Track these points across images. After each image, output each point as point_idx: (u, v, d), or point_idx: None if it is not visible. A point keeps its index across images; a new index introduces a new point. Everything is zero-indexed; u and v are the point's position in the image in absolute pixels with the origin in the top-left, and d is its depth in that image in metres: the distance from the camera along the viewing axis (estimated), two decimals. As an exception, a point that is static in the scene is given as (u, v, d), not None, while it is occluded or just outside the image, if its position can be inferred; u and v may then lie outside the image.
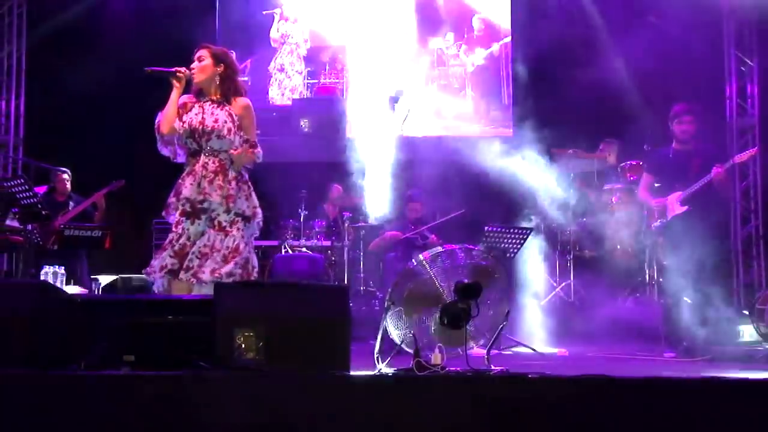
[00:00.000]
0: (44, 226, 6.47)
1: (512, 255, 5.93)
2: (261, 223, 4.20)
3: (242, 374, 2.92)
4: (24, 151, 9.46)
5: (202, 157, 4.09)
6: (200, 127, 4.08)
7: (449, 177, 7.60)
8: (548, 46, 8.55)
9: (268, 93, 9.79)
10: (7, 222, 4.88)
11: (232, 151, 4.06)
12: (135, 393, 2.86)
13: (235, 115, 4.15)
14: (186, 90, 4.20)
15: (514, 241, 5.94)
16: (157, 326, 3.29)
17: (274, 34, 9.83)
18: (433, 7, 9.80)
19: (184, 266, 3.93)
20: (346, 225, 7.78)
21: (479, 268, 3.41)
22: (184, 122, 4.11)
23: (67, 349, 3.22)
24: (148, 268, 4.04)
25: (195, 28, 8.42)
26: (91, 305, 3.45)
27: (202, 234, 4.02)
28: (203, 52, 4.21)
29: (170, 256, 3.98)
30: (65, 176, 7.30)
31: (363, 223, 7.93)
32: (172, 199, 4.11)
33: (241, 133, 4.14)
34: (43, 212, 5.15)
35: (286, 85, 9.81)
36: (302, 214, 7.96)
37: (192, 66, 4.17)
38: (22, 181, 4.84)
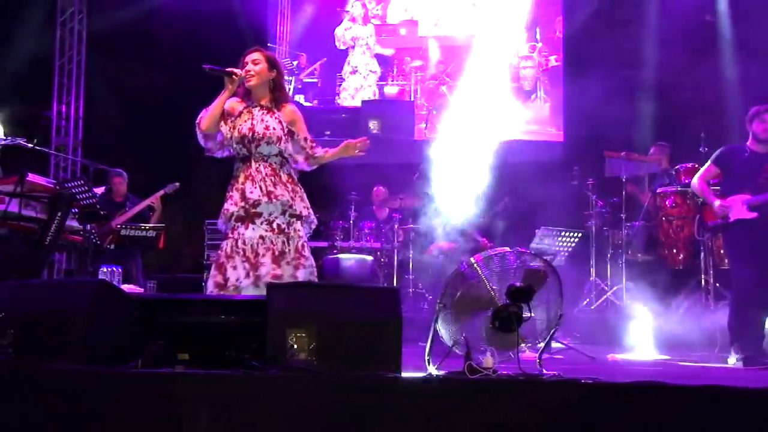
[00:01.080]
0: (102, 226, 6.65)
1: (562, 258, 5.88)
2: (315, 222, 4.24)
3: (294, 375, 2.94)
4: (82, 153, 9.72)
5: (253, 162, 4.11)
6: (250, 134, 4.09)
7: (502, 180, 7.57)
8: (600, 47, 8.46)
9: (338, 94, 9.86)
10: (67, 222, 5.00)
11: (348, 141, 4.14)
12: (190, 391, 2.91)
13: (285, 122, 4.17)
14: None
15: (564, 243, 5.90)
16: (211, 325, 3.34)
17: (340, 34, 9.89)
18: (499, 6, 9.74)
19: (263, 273, 3.98)
20: (396, 227, 7.80)
21: (531, 271, 3.38)
22: (233, 128, 4.13)
23: (125, 346, 3.29)
24: (212, 281, 4.07)
25: (249, 32, 8.57)
26: (147, 304, 3.52)
27: (261, 238, 4.04)
28: (258, 56, 4.19)
29: (233, 268, 4.00)
30: (122, 178, 7.48)
31: (412, 225, 7.95)
32: (230, 206, 4.10)
33: (291, 139, 4.15)
34: (102, 212, 5.27)
35: (356, 86, 9.88)
36: (352, 216, 8.00)
37: (247, 68, 4.15)
38: (82, 182, 4.98)
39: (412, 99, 9.89)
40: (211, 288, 4.04)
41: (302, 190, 4.21)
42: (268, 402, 2.84)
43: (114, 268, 5.83)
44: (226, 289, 4.00)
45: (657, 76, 8.54)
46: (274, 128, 4.12)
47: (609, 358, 5.31)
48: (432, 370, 3.16)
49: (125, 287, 5.94)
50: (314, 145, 4.21)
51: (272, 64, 4.22)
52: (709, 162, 5.53)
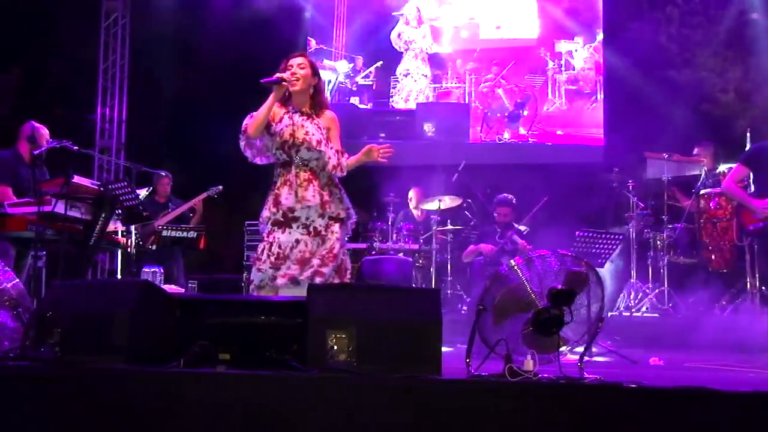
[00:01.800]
0: (144, 227, 6.75)
1: (603, 261, 5.81)
2: (354, 223, 4.26)
3: (334, 376, 2.95)
4: (125, 155, 9.89)
5: (293, 167, 4.15)
6: (291, 140, 4.13)
7: (541, 182, 7.52)
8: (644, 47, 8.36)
9: (392, 97, 9.88)
10: (111, 223, 5.09)
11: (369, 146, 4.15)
12: (232, 391, 2.94)
13: (323, 128, 4.19)
14: None
15: (605, 246, 5.82)
16: (252, 326, 3.37)
17: (394, 37, 9.91)
18: (561, 9, 9.66)
19: (282, 273, 4.02)
20: (434, 228, 7.79)
21: (573, 274, 3.35)
22: (274, 134, 4.17)
23: (167, 346, 3.33)
24: (251, 285, 4.14)
25: (284, 36, 8.63)
26: (189, 304, 3.56)
27: (296, 242, 4.08)
28: (303, 60, 4.22)
29: (270, 268, 4.07)
30: (168, 179, 7.59)
31: (451, 226, 7.93)
32: (269, 211, 4.15)
33: (331, 145, 4.17)
34: (144, 213, 5.36)
35: (410, 88, 9.88)
36: (390, 217, 8.01)
37: (293, 71, 4.15)
38: (126, 183, 5.06)
39: (467, 102, 9.82)
40: (250, 289, 4.11)
41: (342, 191, 4.23)
42: (308, 403, 2.85)
43: (156, 269, 5.92)
44: (259, 290, 4.06)
45: (700, 76, 8.40)
46: (313, 134, 4.14)
47: (651, 362, 5.22)
48: (472, 372, 3.14)
49: (167, 287, 6.03)
50: (341, 159, 4.17)
51: (315, 70, 4.27)
52: (738, 163, 5.42)
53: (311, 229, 4.08)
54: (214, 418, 2.89)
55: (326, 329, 3.04)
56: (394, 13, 9.93)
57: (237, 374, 3.07)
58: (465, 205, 8.03)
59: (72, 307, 3.36)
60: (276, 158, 4.21)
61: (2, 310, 3.61)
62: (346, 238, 4.24)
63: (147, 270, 5.01)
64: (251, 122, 4.13)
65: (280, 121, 4.19)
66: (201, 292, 7.43)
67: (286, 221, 4.09)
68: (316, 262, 4.04)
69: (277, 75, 4.11)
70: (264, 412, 2.85)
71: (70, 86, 9.96)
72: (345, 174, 4.21)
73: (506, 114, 9.64)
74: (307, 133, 4.13)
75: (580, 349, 3.44)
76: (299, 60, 4.21)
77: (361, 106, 9.83)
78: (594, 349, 4.96)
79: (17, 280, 3.70)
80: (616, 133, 8.74)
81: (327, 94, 4.71)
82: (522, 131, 9.57)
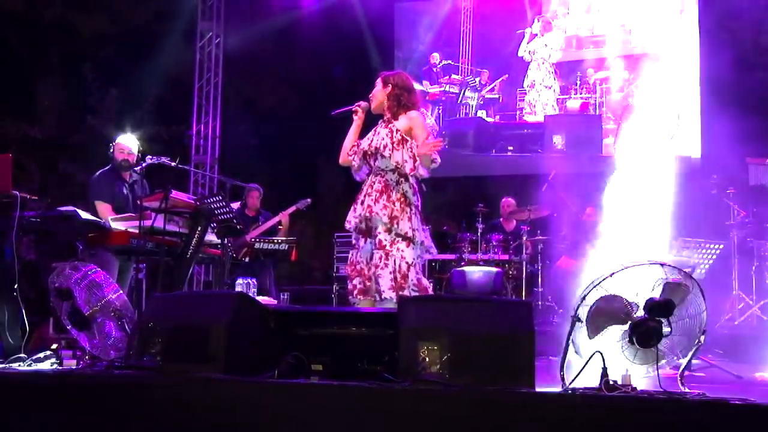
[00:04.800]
0: (237, 239, 6.91)
1: (703, 270, 5.60)
2: (425, 245, 4.18)
3: (426, 388, 2.94)
4: (219, 170, 10.19)
5: (372, 176, 4.23)
6: (369, 149, 4.23)
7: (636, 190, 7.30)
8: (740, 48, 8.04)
9: (520, 110, 9.82)
10: (206, 236, 5.24)
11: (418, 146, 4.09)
12: (325, 402, 2.97)
13: (398, 131, 4.20)
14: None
15: (704, 255, 5.61)
16: (345, 337, 3.40)
17: (522, 53, 9.85)
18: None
19: (366, 286, 4.08)
20: (524, 239, 7.68)
21: (671, 285, 3.23)
22: (354, 147, 4.29)
23: (262, 357, 3.40)
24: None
25: (374, 53, 8.72)
26: (283, 315, 3.63)
27: (370, 252, 4.15)
28: (377, 80, 4.39)
29: (356, 276, 4.16)
30: (258, 192, 7.76)
31: (541, 237, 7.81)
32: (347, 220, 4.27)
33: (409, 146, 4.16)
34: (238, 227, 5.49)
35: (537, 101, 9.79)
36: (479, 228, 7.95)
37: (369, 96, 4.36)
38: (220, 197, 5.18)
39: (597, 113, 9.55)
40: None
41: (415, 211, 4.16)
42: (400, 415, 2.85)
43: (250, 280, 6.05)
44: (354, 298, 4.12)
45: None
46: (383, 138, 4.20)
47: (758, 378, 4.98)
48: (567, 385, 3.07)
49: (260, 299, 6.17)
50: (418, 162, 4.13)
51: (387, 81, 4.33)
52: None
53: (377, 241, 4.11)
54: (306, 429, 2.93)
55: (418, 341, 3.04)
56: (518, 31, 9.84)
57: (329, 385, 3.10)
58: (555, 215, 7.88)
59: (172, 318, 3.47)
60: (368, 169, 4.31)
61: (108, 321, 3.77)
62: (419, 258, 4.17)
63: (241, 281, 5.11)
64: (342, 150, 4.34)
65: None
66: (292, 303, 7.54)
67: (367, 229, 4.16)
68: (383, 283, 4.03)
69: (352, 106, 4.33)
70: (356, 423, 2.87)
71: (167, 105, 10.35)
72: (428, 174, 4.18)
73: (642, 124, 9.25)
74: (381, 140, 4.21)
75: (682, 362, 3.31)
76: (376, 82, 4.38)
77: (488, 119, 9.82)
78: (693, 363, 4.77)
79: (121, 291, 3.85)
80: (715, 137, 8.41)
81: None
82: (664, 143, 9.04)
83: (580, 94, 9.60)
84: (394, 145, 4.15)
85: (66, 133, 10.23)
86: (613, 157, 9.08)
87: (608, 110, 9.48)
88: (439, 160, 4.17)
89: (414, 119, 4.24)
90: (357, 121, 4.33)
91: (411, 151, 4.14)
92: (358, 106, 4.34)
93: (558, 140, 9.38)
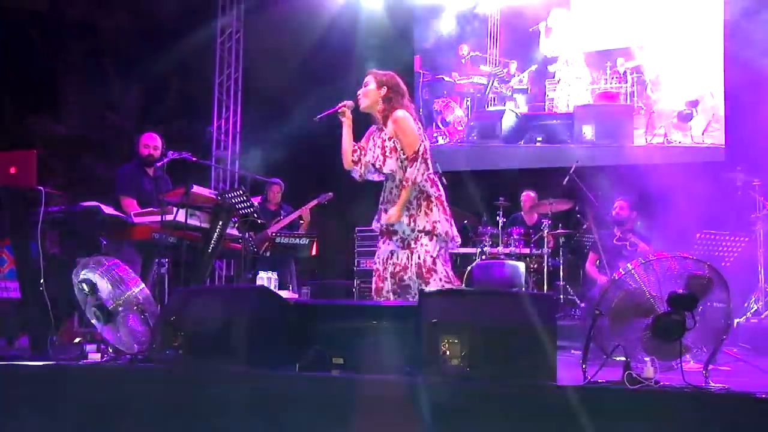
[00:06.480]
0: (259, 233, 6.94)
1: (727, 263, 5.53)
2: (449, 234, 4.13)
3: (447, 381, 2.94)
4: (240, 165, 10.23)
5: (387, 181, 4.24)
6: (367, 164, 4.25)
7: (660, 182, 7.24)
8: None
9: (551, 100, 9.72)
10: (227, 230, 5.26)
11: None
12: (346, 395, 2.98)
13: (390, 138, 4.15)
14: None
15: (728, 248, 5.55)
16: (366, 331, 3.41)
17: (544, 49, 9.77)
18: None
19: (386, 287, 4.10)
20: (545, 232, 7.64)
21: (695, 278, 3.20)
22: (357, 152, 4.27)
23: (283, 350, 3.42)
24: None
25: (395, 50, 8.69)
26: (304, 309, 3.64)
27: (390, 252, 4.14)
28: (368, 78, 4.28)
29: (379, 278, 4.18)
30: (279, 186, 7.79)
31: (562, 230, 7.76)
32: (375, 225, 4.30)
33: (399, 155, 4.12)
34: (259, 221, 5.50)
35: (566, 91, 9.69)
36: (500, 222, 7.91)
37: (358, 92, 4.27)
38: (241, 192, 5.20)
39: (629, 102, 9.34)
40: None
41: (430, 203, 4.11)
42: (421, 407, 2.85)
43: (271, 275, 6.07)
44: (380, 296, 4.13)
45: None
46: (373, 150, 4.22)
47: (784, 372, 4.91)
48: (589, 379, 3.05)
49: (281, 293, 6.19)
50: (410, 168, 4.07)
51: (381, 83, 4.23)
52: None
53: (405, 242, 4.12)
54: (327, 421, 2.94)
55: (439, 334, 3.04)
56: (530, 29, 9.74)
57: (350, 378, 3.11)
58: (577, 208, 7.83)
59: (194, 312, 3.50)
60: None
61: (132, 315, 3.79)
62: (443, 249, 4.13)
63: (262, 275, 5.12)
64: (342, 156, 4.30)
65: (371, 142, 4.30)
66: (313, 297, 7.56)
67: (387, 232, 4.18)
68: (407, 276, 4.05)
69: (337, 106, 4.25)
70: (376, 415, 2.87)
71: (188, 100, 10.39)
72: (417, 183, 4.07)
73: (674, 114, 9.17)
74: (372, 155, 4.21)
75: (706, 355, 3.27)
76: (366, 78, 4.28)
77: (517, 111, 9.75)
78: (719, 356, 4.72)
79: (143, 285, 3.88)
80: (739, 128, 8.29)
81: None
82: (695, 133, 8.92)
83: (611, 83, 9.47)
84: (386, 154, 4.13)
85: (89, 130, 10.32)
86: (643, 147, 8.99)
87: (639, 100, 9.36)
88: (423, 171, 4.10)
89: (400, 122, 4.12)
90: (346, 121, 4.24)
91: (395, 160, 4.14)
92: (344, 106, 4.24)
93: (588, 131, 9.27)
